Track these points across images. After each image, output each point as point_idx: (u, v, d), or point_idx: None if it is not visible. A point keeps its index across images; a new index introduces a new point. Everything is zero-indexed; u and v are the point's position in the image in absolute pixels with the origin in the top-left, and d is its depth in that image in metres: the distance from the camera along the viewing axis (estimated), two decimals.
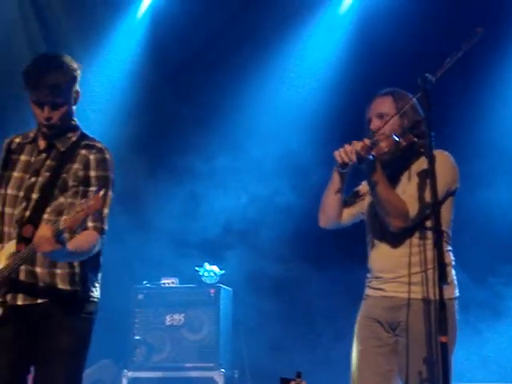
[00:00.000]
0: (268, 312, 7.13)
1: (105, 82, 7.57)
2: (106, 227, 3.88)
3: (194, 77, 7.51)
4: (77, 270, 3.88)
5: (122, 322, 6.91)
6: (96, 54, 7.50)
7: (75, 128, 4.01)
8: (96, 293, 3.97)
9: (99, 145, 3.97)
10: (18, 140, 4.02)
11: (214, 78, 7.40)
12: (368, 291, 4.17)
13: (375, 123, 4.07)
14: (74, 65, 3.96)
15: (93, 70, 7.40)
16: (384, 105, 4.09)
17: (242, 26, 7.33)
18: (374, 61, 7.05)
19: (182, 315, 6.79)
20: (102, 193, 3.58)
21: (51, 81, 3.82)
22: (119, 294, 6.77)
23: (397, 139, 3.97)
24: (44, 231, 3.58)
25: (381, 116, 4.08)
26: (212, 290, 6.81)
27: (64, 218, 3.59)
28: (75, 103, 3.98)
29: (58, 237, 3.57)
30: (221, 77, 7.37)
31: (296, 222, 7.01)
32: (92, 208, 3.54)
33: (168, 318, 6.80)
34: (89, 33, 7.48)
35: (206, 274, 6.95)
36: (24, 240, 3.77)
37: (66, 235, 3.67)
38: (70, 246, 3.69)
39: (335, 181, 4.09)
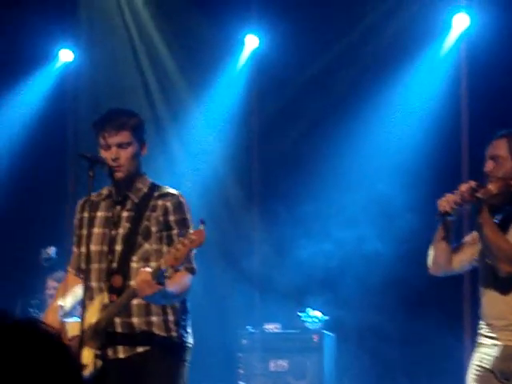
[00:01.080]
0: (370, 359, 7.01)
1: (207, 125, 7.70)
2: (195, 267, 3.95)
3: (283, 124, 7.56)
4: (170, 317, 3.94)
5: (225, 367, 6.91)
6: (201, 96, 7.66)
7: (144, 178, 4.08)
8: (189, 339, 4.02)
9: (172, 191, 4.05)
10: (90, 199, 4.10)
11: (304, 125, 7.45)
12: (480, 339, 4.07)
13: (489, 165, 4.02)
14: (140, 118, 4.13)
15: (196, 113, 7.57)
16: (499, 147, 4.05)
17: (342, 75, 7.34)
18: (474, 102, 6.95)
19: (286, 361, 6.73)
20: (202, 227, 3.63)
21: (117, 122, 3.99)
22: (218, 339, 6.80)
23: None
24: (144, 275, 3.65)
25: (495, 158, 4.02)
26: (315, 336, 6.74)
27: (164, 257, 3.66)
28: (142, 153, 4.07)
29: (158, 279, 3.63)
30: (312, 126, 7.42)
31: (383, 269, 6.86)
32: (196, 242, 3.61)
33: (272, 364, 6.75)
34: (194, 75, 7.65)
35: (309, 319, 6.89)
36: (115, 291, 3.87)
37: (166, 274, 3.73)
38: (169, 287, 3.75)
39: (441, 229, 4.06)
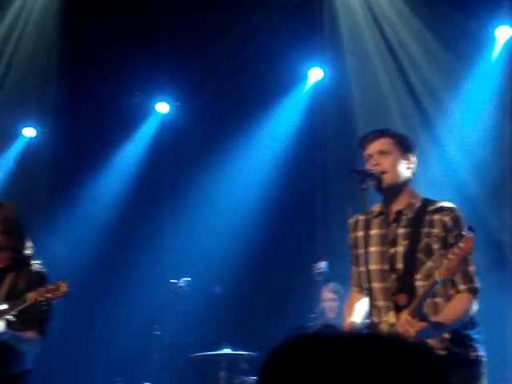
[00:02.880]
0: None
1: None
2: (478, 285, 3.82)
3: None
4: (462, 331, 3.85)
5: None
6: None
7: (414, 193, 4.01)
8: (479, 352, 3.89)
9: (447, 205, 3.94)
10: (362, 218, 4.08)
11: None
12: None
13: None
14: (402, 132, 4.12)
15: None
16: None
17: None
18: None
19: None
20: (471, 234, 3.54)
21: (377, 131, 4.02)
22: None
23: None
24: (404, 317, 3.67)
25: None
26: None
27: (438, 270, 3.60)
28: (408, 166, 3.99)
29: (418, 313, 3.61)
30: None
31: None
32: (465, 250, 3.53)
33: None
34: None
35: None
36: (400, 309, 3.82)
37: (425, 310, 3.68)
38: (440, 317, 3.70)
39: None
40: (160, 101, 8.66)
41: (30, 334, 4.31)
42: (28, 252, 4.49)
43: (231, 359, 7.02)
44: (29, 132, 8.81)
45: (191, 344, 7.37)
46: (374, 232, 4.04)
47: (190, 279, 6.84)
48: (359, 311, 4.08)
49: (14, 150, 8.75)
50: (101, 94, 8.50)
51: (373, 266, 3.99)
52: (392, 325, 3.85)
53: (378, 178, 3.93)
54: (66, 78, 8.55)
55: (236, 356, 7.01)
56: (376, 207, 4.10)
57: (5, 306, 4.16)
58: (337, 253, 5.87)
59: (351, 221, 4.16)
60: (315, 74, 8.12)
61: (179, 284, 6.80)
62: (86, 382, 7.80)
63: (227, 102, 8.20)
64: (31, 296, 4.08)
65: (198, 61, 8.21)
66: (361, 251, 4.05)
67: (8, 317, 4.17)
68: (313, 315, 6.61)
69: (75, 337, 7.95)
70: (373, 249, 4.01)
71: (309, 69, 8.11)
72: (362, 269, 4.03)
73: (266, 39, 8.04)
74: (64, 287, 4.03)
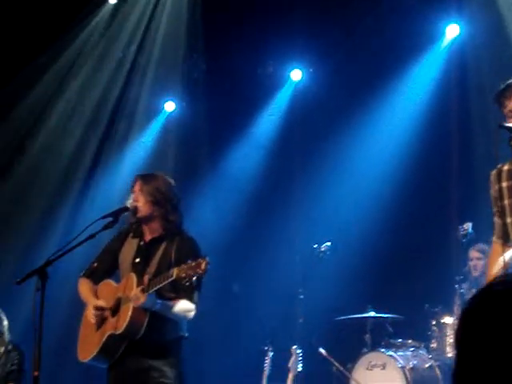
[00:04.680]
0: None
1: None
2: None
3: None
4: None
5: None
6: None
7: None
8: None
9: None
10: (506, 168, 4.00)
11: None
12: None
13: None
14: None
15: None
16: None
17: None
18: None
19: None
20: None
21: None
22: None
23: None
24: None
25: None
26: None
27: None
28: None
29: None
30: None
31: None
32: None
33: None
34: None
35: None
36: None
37: None
38: None
39: None
40: (294, 68, 8.72)
41: (181, 303, 4.47)
42: (178, 221, 4.64)
43: (376, 322, 7.06)
44: (169, 106, 9.12)
45: (336, 308, 7.44)
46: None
47: (330, 244, 6.89)
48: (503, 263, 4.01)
49: (157, 125, 9.07)
50: (236, 66, 8.63)
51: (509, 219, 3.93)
52: None
53: None
54: (203, 51, 8.74)
55: (381, 319, 7.05)
56: None
57: (171, 278, 4.32)
58: (481, 214, 5.78)
59: (494, 172, 4.09)
60: (452, 31, 7.96)
61: (321, 248, 6.87)
62: (235, 348, 8.02)
63: (361, 65, 8.14)
64: (175, 272, 4.22)
65: (331, 24, 8.18)
66: (506, 202, 3.98)
67: (158, 288, 4.35)
68: (459, 277, 6.55)
69: (221, 305, 8.18)
70: (506, 202, 3.96)
71: (446, 26, 7.95)
72: (509, 220, 3.96)
73: None
74: (204, 265, 4.15)
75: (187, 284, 4.24)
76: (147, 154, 8.82)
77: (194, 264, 4.17)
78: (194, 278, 4.21)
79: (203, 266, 4.14)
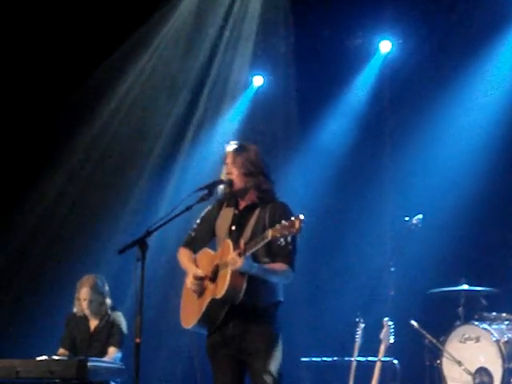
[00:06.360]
0: None
1: None
2: None
3: None
4: None
5: None
6: None
7: None
8: None
9: None
10: None
11: None
12: None
13: None
14: None
15: None
16: None
17: None
18: None
19: None
20: None
21: None
22: None
23: None
24: None
25: None
26: None
27: None
28: None
29: None
30: None
31: None
32: None
33: None
34: None
35: None
36: None
37: None
38: None
39: None
40: (383, 39, 8.64)
41: (278, 266, 4.53)
42: (271, 189, 4.72)
43: (469, 295, 6.99)
44: (258, 81, 9.16)
45: (428, 280, 7.40)
46: None
47: (421, 216, 6.85)
48: None
49: (246, 99, 9.13)
50: (324, 39, 8.60)
51: None
52: None
53: None
54: (291, 25, 8.73)
55: (474, 292, 6.97)
56: None
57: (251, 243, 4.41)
58: None
59: None
60: None
61: (413, 221, 6.84)
62: (327, 319, 8.07)
63: (453, 36, 8.01)
64: (270, 233, 4.30)
65: None
66: None
67: (254, 252, 4.42)
68: None
69: (312, 277, 8.23)
70: None
71: None
72: None
73: None
74: (298, 223, 4.20)
75: (283, 246, 4.29)
76: (237, 127, 8.90)
77: (288, 224, 4.23)
78: (289, 239, 4.24)
79: (297, 225, 4.20)
